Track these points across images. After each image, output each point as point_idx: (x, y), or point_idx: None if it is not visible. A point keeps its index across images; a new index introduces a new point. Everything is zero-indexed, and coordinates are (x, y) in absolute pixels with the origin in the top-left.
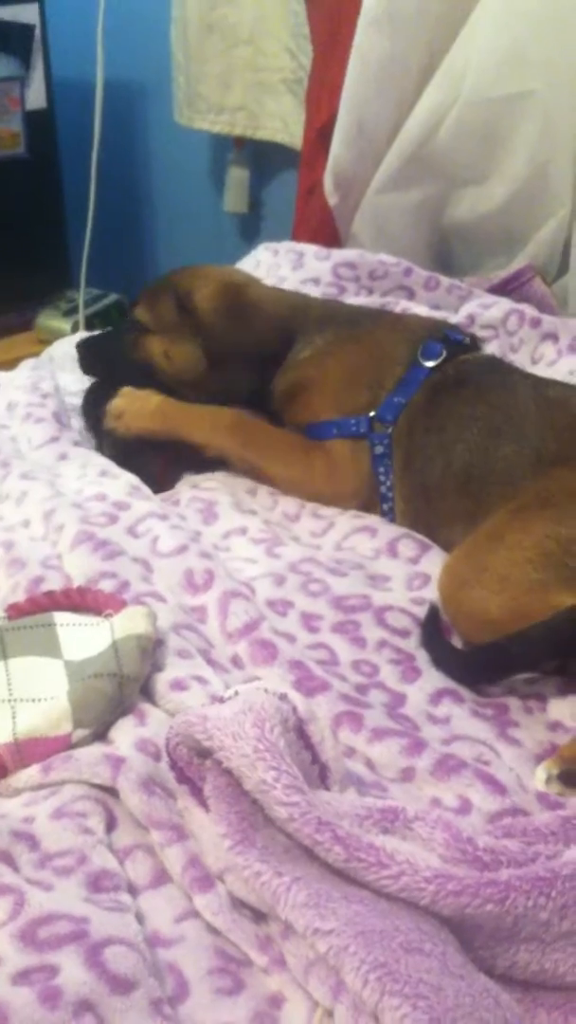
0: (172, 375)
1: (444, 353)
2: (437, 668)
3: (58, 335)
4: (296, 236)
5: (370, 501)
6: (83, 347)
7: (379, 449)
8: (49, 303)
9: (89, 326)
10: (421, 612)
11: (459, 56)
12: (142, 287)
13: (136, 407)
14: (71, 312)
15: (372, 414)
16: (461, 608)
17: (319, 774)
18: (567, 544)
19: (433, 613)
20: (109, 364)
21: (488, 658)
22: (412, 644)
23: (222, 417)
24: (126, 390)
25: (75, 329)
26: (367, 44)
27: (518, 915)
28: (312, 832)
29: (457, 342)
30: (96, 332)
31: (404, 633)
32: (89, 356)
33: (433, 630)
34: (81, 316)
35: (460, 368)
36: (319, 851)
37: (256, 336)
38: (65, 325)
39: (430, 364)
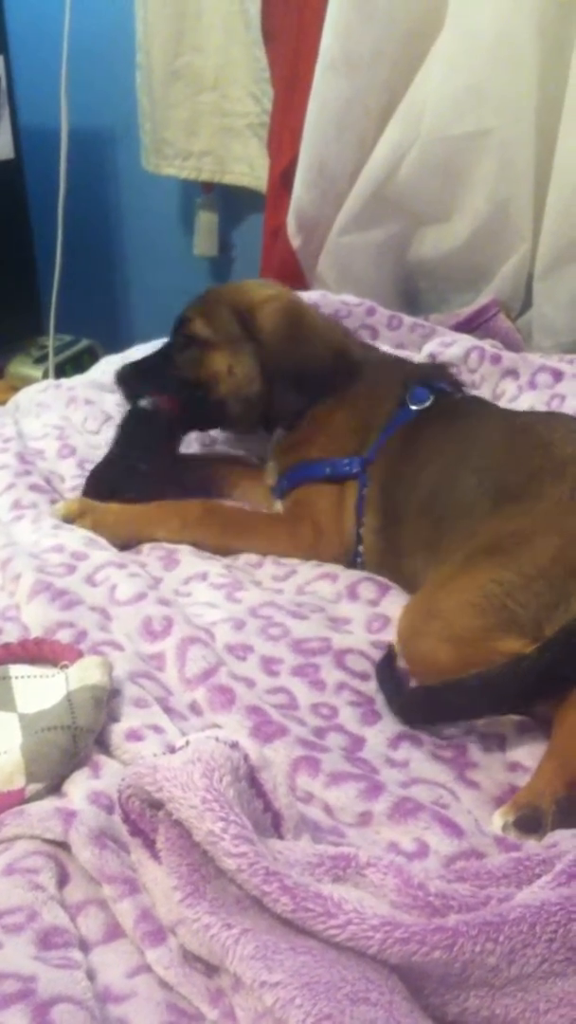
0: (231, 391)
1: (431, 399)
2: (388, 707)
3: (29, 382)
4: (262, 278)
5: (350, 555)
6: (127, 375)
7: (364, 490)
8: (20, 350)
9: (60, 372)
10: (381, 654)
11: (417, 96)
12: (114, 331)
13: (98, 521)
14: (42, 359)
15: (365, 456)
16: (415, 654)
17: (272, 822)
18: (510, 588)
19: (388, 654)
20: (160, 388)
21: (425, 702)
22: (372, 687)
23: (191, 511)
24: (79, 507)
25: (45, 376)
26: (325, 87)
27: (466, 961)
28: (260, 883)
29: (442, 390)
30: (134, 359)
31: (364, 676)
32: (135, 383)
33: (387, 670)
34: (51, 363)
35: (440, 405)
36: (267, 901)
37: (314, 358)
38: (36, 372)
39: (415, 408)
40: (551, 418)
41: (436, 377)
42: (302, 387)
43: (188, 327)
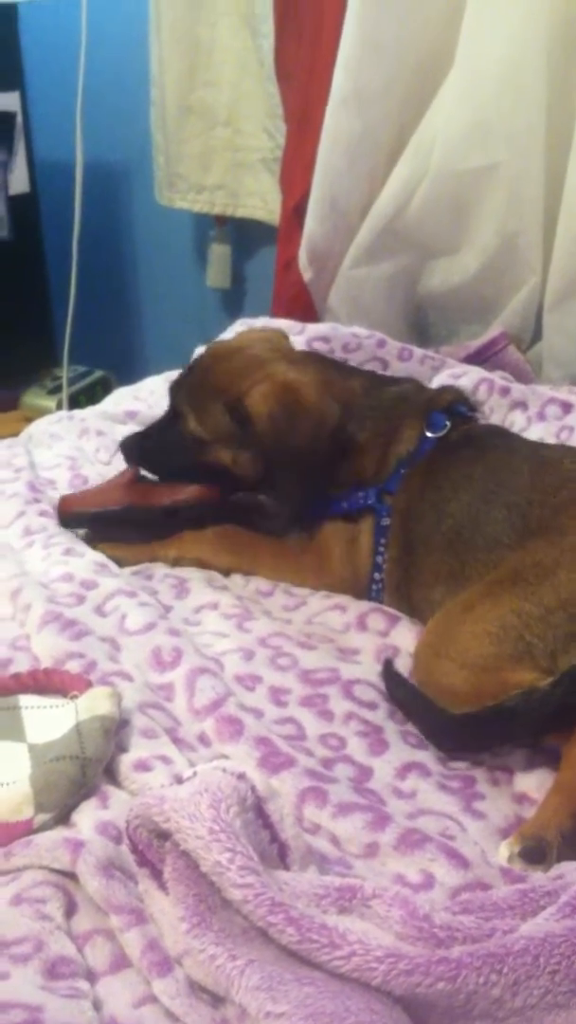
0: (243, 477)
1: (448, 425)
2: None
3: (43, 413)
4: (275, 310)
5: (361, 586)
6: (137, 448)
7: (385, 521)
8: (35, 381)
9: (73, 403)
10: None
11: (427, 131)
12: (128, 363)
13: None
14: (56, 390)
15: (380, 486)
16: (431, 677)
17: (278, 853)
18: (527, 619)
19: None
20: (174, 467)
21: (443, 729)
22: (380, 716)
23: (204, 533)
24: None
25: (59, 406)
26: (337, 122)
27: (470, 992)
28: (266, 914)
29: (460, 413)
30: (137, 431)
31: (372, 705)
32: (146, 457)
33: (393, 678)
34: (65, 394)
35: (463, 433)
36: (272, 932)
37: (310, 450)
38: (50, 403)
39: (433, 435)
40: None
41: (453, 401)
42: (303, 476)
43: (183, 426)
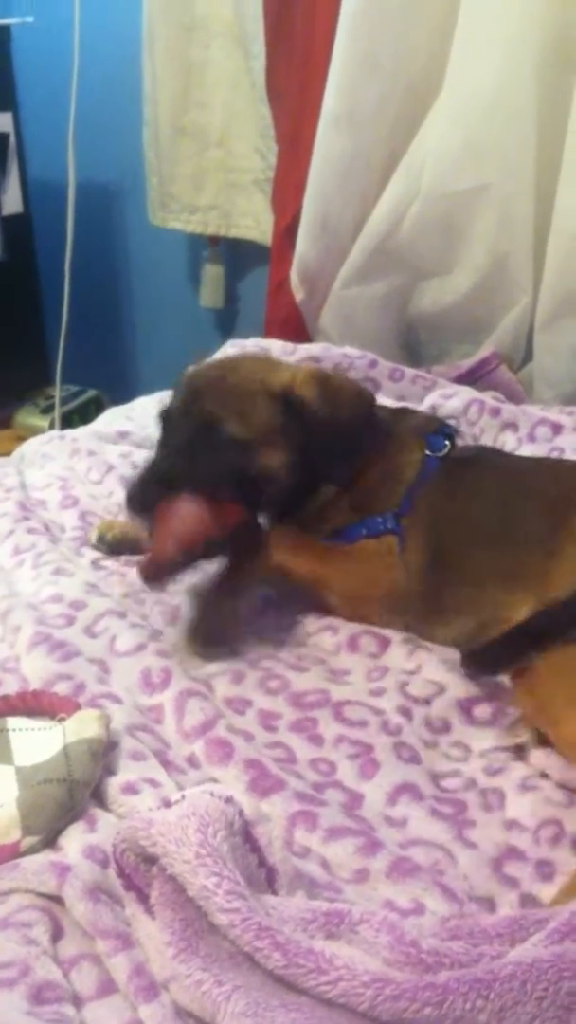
0: (277, 487)
1: (448, 444)
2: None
3: (36, 432)
4: (267, 330)
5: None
6: (159, 482)
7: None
8: (28, 400)
9: (66, 423)
10: (379, 703)
11: (418, 152)
12: (121, 382)
13: None
14: (49, 409)
15: (396, 511)
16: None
17: (266, 877)
18: None
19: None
20: (212, 487)
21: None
22: (371, 733)
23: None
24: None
25: (52, 426)
26: (328, 143)
27: (456, 1017)
28: (252, 939)
29: (451, 434)
30: (138, 474)
31: (361, 724)
32: (176, 486)
33: None
34: (57, 413)
35: (460, 452)
36: (259, 957)
37: (353, 417)
38: (43, 422)
39: (438, 454)
40: None
41: (439, 426)
42: (349, 448)
43: (224, 431)
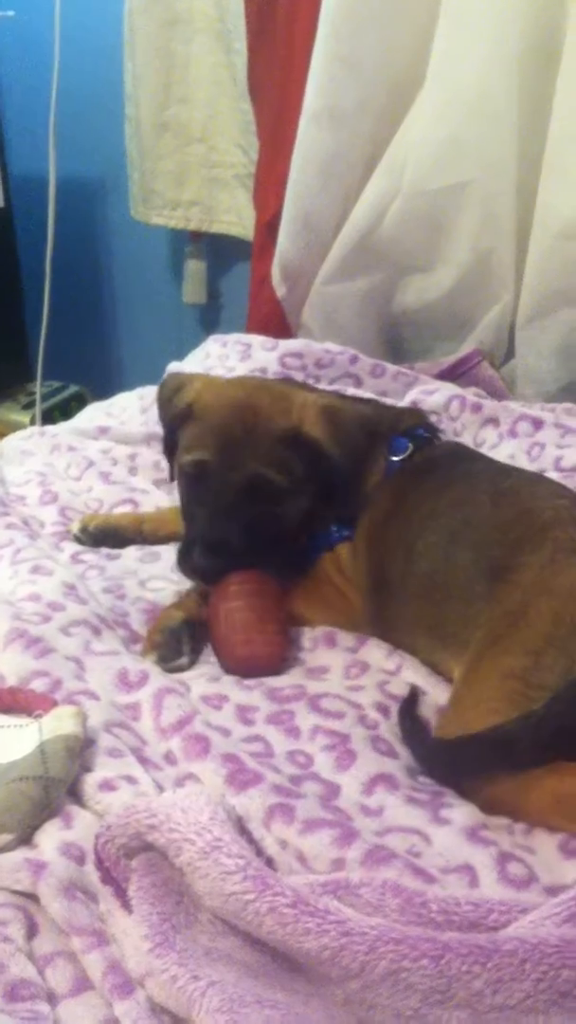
0: (295, 525)
1: (410, 447)
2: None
3: (17, 428)
4: (249, 326)
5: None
6: (213, 556)
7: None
8: (9, 397)
9: (48, 419)
10: (356, 697)
11: (399, 149)
12: (104, 378)
13: None
14: (30, 405)
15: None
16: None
17: (266, 865)
18: (524, 674)
19: (411, 698)
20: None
21: (445, 757)
22: (347, 724)
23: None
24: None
25: (33, 422)
26: (309, 139)
27: (452, 977)
28: (261, 882)
29: (420, 437)
30: (197, 535)
31: (338, 715)
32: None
33: (409, 716)
34: (38, 409)
35: (426, 457)
36: (267, 897)
37: (364, 447)
38: (24, 418)
39: (397, 459)
40: (535, 482)
41: (413, 424)
42: (357, 481)
43: (269, 486)
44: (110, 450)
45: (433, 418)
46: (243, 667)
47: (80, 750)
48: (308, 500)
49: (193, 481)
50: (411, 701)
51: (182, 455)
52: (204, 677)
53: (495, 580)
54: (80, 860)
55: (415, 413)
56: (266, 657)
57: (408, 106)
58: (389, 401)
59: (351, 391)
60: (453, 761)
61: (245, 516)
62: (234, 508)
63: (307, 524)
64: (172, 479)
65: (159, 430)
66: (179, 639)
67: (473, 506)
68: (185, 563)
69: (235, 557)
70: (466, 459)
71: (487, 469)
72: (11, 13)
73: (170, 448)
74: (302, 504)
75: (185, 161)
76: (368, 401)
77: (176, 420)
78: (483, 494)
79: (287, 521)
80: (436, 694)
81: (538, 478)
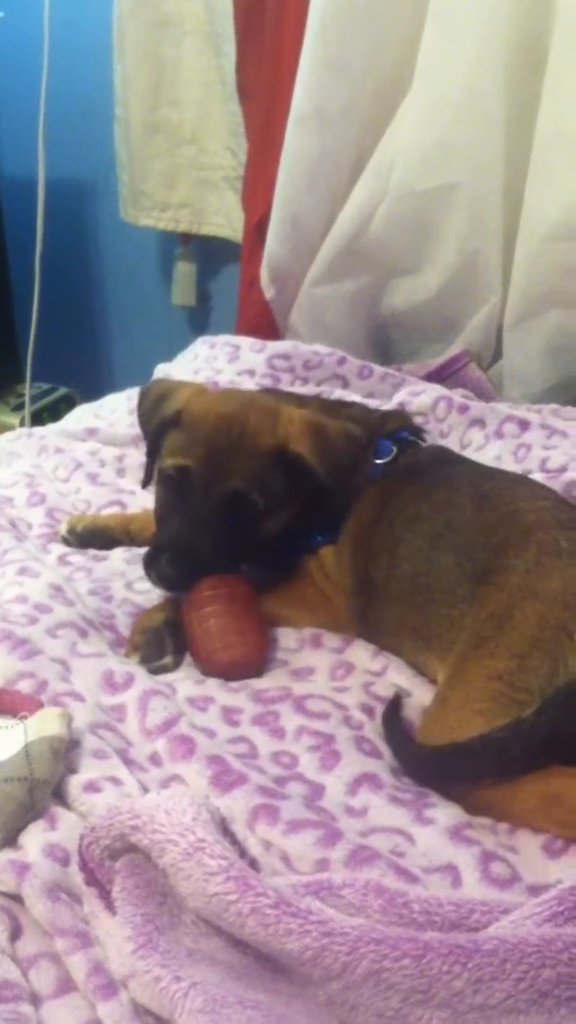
0: (275, 537)
1: (394, 450)
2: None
3: (6, 430)
4: (238, 328)
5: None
6: (181, 563)
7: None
8: None
9: (37, 420)
10: (342, 698)
11: (387, 151)
12: (93, 380)
13: None
14: (19, 407)
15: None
16: None
17: (249, 866)
18: (509, 677)
19: (394, 703)
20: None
21: (432, 763)
22: (332, 724)
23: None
24: None
25: (22, 423)
26: (297, 141)
27: (432, 977)
28: (244, 882)
29: (404, 440)
30: (156, 552)
31: (324, 716)
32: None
33: (393, 721)
34: (27, 411)
35: (409, 462)
36: (249, 897)
37: (350, 466)
38: (13, 419)
39: (380, 462)
40: (517, 484)
41: (397, 426)
42: (342, 500)
43: (247, 503)
44: (98, 452)
45: (419, 420)
46: (225, 672)
47: (65, 751)
48: (287, 515)
49: (173, 487)
50: (394, 707)
51: (165, 459)
52: (190, 679)
53: (479, 583)
54: (64, 861)
55: (399, 416)
56: (247, 660)
57: (395, 109)
58: (375, 403)
59: (338, 393)
60: (443, 768)
61: (219, 529)
62: (210, 520)
63: (285, 535)
64: (145, 485)
65: None
66: (162, 639)
67: (455, 509)
68: (151, 569)
69: (203, 567)
70: (449, 462)
71: (469, 472)
72: (0, 14)
73: (152, 454)
74: (279, 520)
75: (175, 163)
76: (353, 404)
77: (162, 426)
78: (465, 497)
79: (262, 536)
80: (421, 695)
81: (520, 479)
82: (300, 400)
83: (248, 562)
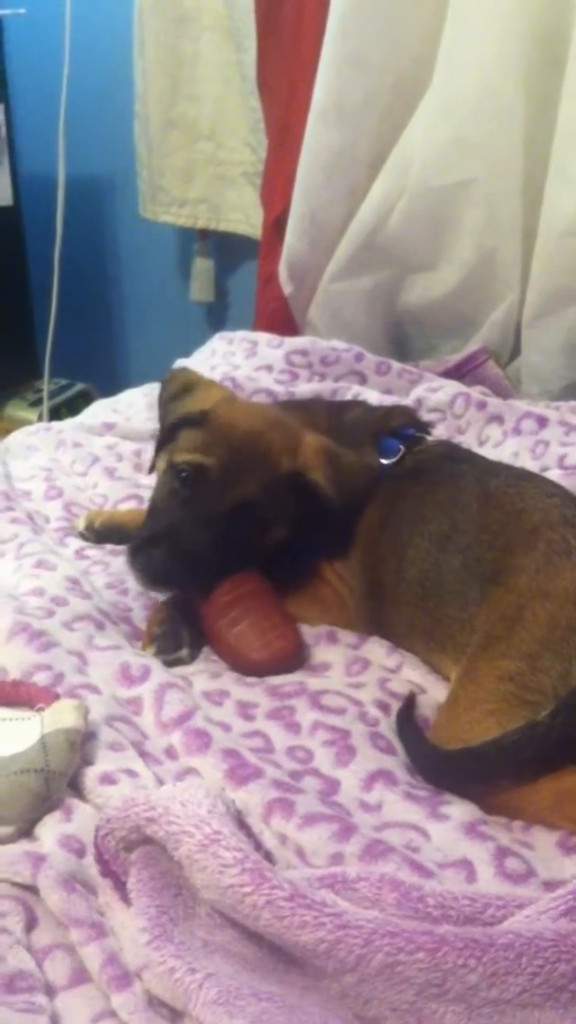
0: (278, 549)
1: (401, 449)
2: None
3: (24, 425)
4: (256, 323)
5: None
6: (173, 558)
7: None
8: (17, 394)
9: (55, 416)
10: (357, 694)
11: (406, 147)
12: (111, 375)
13: None
14: (37, 402)
15: None
16: None
17: (264, 859)
18: (520, 679)
19: (408, 704)
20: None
21: (446, 766)
22: (348, 720)
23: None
24: None
25: (40, 419)
26: (316, 137)
27: (447, 971)
28: (259, 874)
29: (409, 436)
30: (159, 537)
31: (339, 711)
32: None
33: (407, 722)
34: (45, 407)
35: (416, 460)
36: (265, 890)
37: (361, 495)
38: (31, 415)
39: (388, 462)
40: (523, 480)
41: (401, 423)
42: (349, 523)
43: (254, 512)
44: (115, 446)
45: (436, 416)
46: (272, 668)
47: (81, 743)
48: (289, 530)
49: (184, 481)
50: (408, 708)
51: (181, 453)
52: (206, 673)
53: (488, 583)
54: (80, 853)
55: (403, 411)
56: (293, 648)
57: (415, 104)
58: (390, 399)
59: (354, 390)
60: (458, 771)
61: (223, 532)
62: (217, 521)
63: (284, 547)
64: (151, 471)
65: None
66: (178, 632)
67: (461, 509)
68: (137, 559)
69: (197, 567)
70: (455, 459)
71: (474, 469)
72: (22, 11)
73: (165, 441)
74: (281, 533)
75: (193, 159)
76: (357, 405)
77: (183, 421)
78: (470, 495)
79: (264, 546)
80: (436, 692)
81: (526, 475)
82: (310, 412)
83: (243, 568)
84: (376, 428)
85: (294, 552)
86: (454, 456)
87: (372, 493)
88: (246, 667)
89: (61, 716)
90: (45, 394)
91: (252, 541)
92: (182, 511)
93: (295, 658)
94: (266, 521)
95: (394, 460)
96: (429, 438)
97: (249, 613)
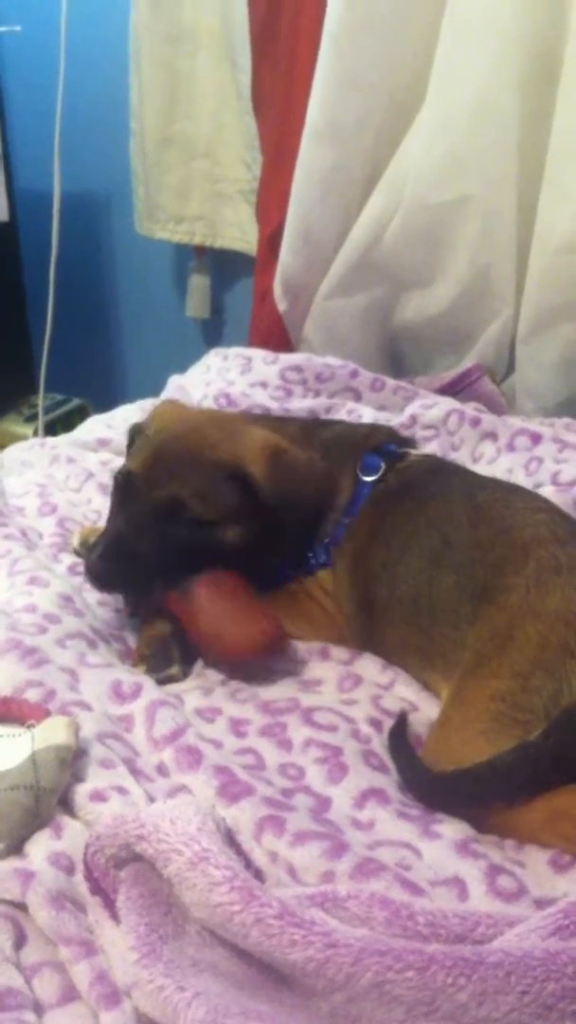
0: (243, 553)
1: (383, 466)
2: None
3: (19, 440)
4: (251, 340)
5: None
6: (111, 561)
7: (334, 570)
8: (12, 409)
9: (50, 431)
10: (349, 711)
11: (400, 164)
12: (107, 391)
13: None
14: (33, 418)
15: (327, 540)
16: None
17: (254, 876)
18: (511, 698)
19: (400, 723)
20: (180, 566)
21: (439, 788)
22: (340, 737)
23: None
24: None
25: (36, 434)
26: (311, 155)
27: (436, 989)
28: (248, 893)
29: (392, 453)
30: (99, 542)
31: (332, 728)
32: (127, 568)
33: (399, 742)
34: (40, 422)
35: (401, 476)
36: (253, 908)
37: (309, 497)
38: (27, 430)
39: (370, 479)
40: (510, 494)
41: (381, 440)
42: (300, 530)
43: (186, 511)
44: (109, 462)
45: (430, 432)
46: (252, 652)
47: (72, 760)
48: (249, 533)
49: (117, 489)
50: (400, 727)
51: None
52: (198, 690)
53: (480, 601)
54: (69, 870)
55: (383, 429)
56: (272, 634)
57: (409, 122)
58: (385, 415)
59: (349, 406)
60: (451, 793)
61: (156, 533)
62: (148, 524)
63: (255, 554)
64: None
65: None
66: (168, 649)
67: (451, 525)
68: (87, 565)
69: (139, 570)
70: (440, 473)
71: (462, 483)
72: (17, 28)
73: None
74: (235, 535)
75: (189, 176)
76: (336, 423)
77: (132, 433)
78: (459, 510)
79: (225, 549)
80: (428, 709)
81: (513, 488)
82: (279, 422)
83: (202, 570)
84: (356, 446)
85: (275, 566)
86: (438, 469)
87: (357, 513)
88: (220, 654)
89: (52, 733)
90: (40, 409)
91: (200, 542)
92: (120, 517)
93: (275, 644)
94: (211, 521)
95: (376, 477)
96: (413, 453)
97: (220, 596)
